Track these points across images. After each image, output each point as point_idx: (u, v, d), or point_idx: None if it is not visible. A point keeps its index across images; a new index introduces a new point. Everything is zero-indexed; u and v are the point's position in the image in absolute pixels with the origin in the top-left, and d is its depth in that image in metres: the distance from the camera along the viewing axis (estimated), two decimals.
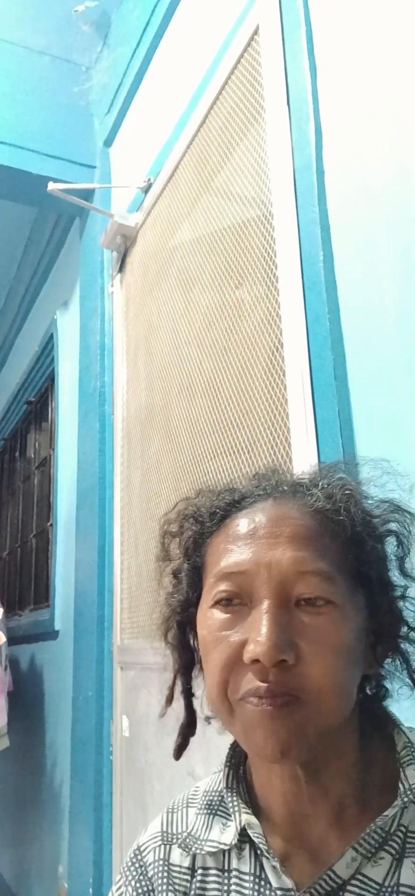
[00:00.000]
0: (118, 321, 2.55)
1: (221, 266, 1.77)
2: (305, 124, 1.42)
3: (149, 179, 2.31)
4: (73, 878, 2.38)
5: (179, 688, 0.74)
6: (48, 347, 3.60)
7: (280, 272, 1.46)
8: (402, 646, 0.67)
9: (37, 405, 4.04)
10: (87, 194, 2.70)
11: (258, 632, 0.58)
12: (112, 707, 2.24)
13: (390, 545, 0.68)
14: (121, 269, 2.57)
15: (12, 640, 3.46)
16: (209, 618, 0.63)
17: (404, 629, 0.67)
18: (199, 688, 0.72)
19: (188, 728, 0.74)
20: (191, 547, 0.71)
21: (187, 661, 0.73)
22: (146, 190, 2.34)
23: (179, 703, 0.75)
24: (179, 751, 0.75)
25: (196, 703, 0.74)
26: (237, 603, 0.62)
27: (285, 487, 0.69)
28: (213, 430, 1.74)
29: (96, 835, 2.19)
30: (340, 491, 0.65)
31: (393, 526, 0.68)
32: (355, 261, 1.28)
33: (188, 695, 0.74)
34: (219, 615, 0.62)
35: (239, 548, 0.63)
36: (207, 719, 0.73)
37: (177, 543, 0.74)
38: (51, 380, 3.65)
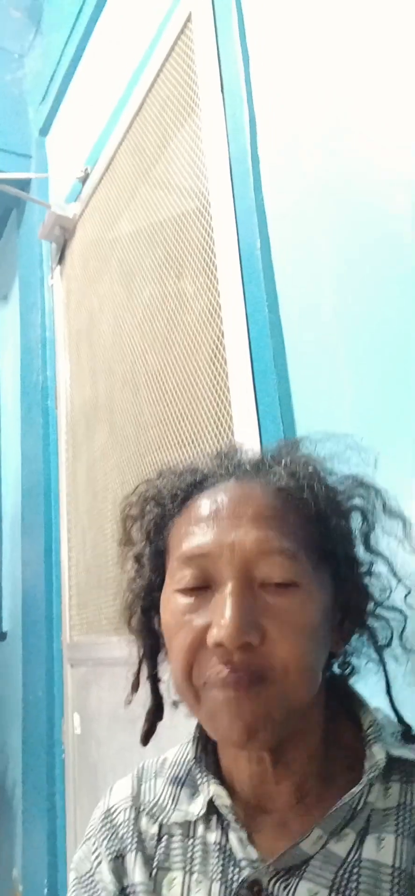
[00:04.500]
0: (59, 314, 2.50)
1: (162, 257, 1.75)
2: (239, 112, 1.41)
3: (86, 169, 2.27)
4: (28, 880, 2.34)
5: (144, 673, 0.72)
6: None
7: (219, 261, 1.46)
8: (368, 622, 0.67)
9: None
10: (24, 185, 2.63)
11: (221, 615, 0.56)
12: (63, 705, 2.21)
13: (355, 521, 0.67)
14: (60, 260, 2.52)
15: None
16: (172, 602, 0.62)
17: (371, 605, 0.67)
18: (165, 672, 0.70)
19: (155, 713, 0.73)
20: (153, 530, 0.69)
21: (153, 645, 0.71)
22: (84, 180, 2.30)
23: (138, 693, 0.74)
24: (146, 737, 0.73)
25: (163, 688, 0.72)
26: (201, 586, 0.60)
27: (248, 466, 0.67)
28: (158, 422, 1.73)
29: (50, 836, 2.16)
30: (303, 468, 0.64)
31: (357, 501, 0.67)
32: (292, 247, 1.29)
33: (154, 680, 0.73)
34: (182, 599, 0.61)
35: (201, 530, 0.61)
36: (175, 703, 0.72)
37: (138, 527, 0.71)
38: None
